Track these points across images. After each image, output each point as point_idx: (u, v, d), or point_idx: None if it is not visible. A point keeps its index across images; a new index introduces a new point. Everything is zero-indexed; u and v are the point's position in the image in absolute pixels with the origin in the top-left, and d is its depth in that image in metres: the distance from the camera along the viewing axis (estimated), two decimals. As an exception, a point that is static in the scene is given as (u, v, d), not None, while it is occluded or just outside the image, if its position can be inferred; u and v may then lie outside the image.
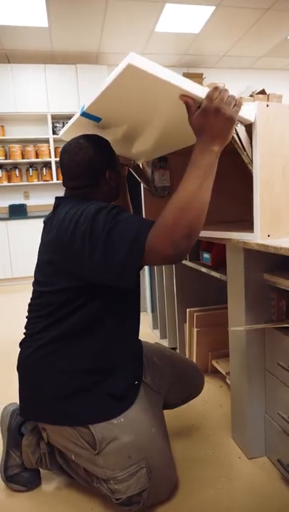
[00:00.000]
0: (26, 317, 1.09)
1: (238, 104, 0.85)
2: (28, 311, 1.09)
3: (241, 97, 0.87)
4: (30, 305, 1.08)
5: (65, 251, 0.94)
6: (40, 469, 1.19)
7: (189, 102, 0.85)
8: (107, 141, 1.10)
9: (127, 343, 1.11)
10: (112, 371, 1.04)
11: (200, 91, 0.83)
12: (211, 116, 0.83)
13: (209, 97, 0.83)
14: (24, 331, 1.08)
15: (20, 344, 1.08)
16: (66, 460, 1.11)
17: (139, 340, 1.28)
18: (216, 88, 0.83)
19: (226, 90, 0.83)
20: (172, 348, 1.42)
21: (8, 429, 1.18)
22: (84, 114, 1.05)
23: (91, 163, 1.04)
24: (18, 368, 1.07)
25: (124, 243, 0.84)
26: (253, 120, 0.94)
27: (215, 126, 0.83)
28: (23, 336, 1.08)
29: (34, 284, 1.08)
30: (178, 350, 1.99)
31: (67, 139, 1.19)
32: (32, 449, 1.13)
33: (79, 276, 0.94)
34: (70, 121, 1.18)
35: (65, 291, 0.98)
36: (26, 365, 1.05)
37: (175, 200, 0.84)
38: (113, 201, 1.12)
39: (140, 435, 1.00)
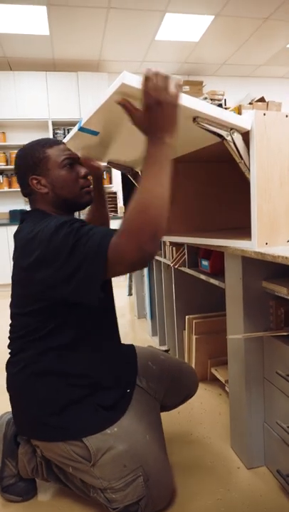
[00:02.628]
0: (8, 337, 1.07)
1: (176, 83, 0.79)
2: (9, 331, 1.07)
3: (177, 80, 0.79)
4: (10, 325, 1.06)
5: (27, 273, 0.92)
6: (36, 479, 1.18)
7: (126, 105, 0.82)
8: (37, 144, 1.03)
9: (109, 355, 1.08)
10: (99, 383, 1.03)
11: (136, 84, 0.78)
12: (154, 110, 0.78)
13: (145, 90, 0.78)
14: (9, 350, 1.07)
15: (7, 364, 1.06)
16: (62, 470, 1.10)
17: (132, 345, 1.28)
18: (147, 79, 0.77)
19: (157, 75, 0.77)
20: (165, 351, 1.41)
21: (4, 438, 1.17)
22: (82, 129, 1.07)
23: (17, 171, 1.05)
24: (8, 388, 1.06)
25: (86, 256, 0.82)
26: (249, 128, 0.94)
27: (161, 118, 0.79)
28: (9, 356, 1.07)
29: (10, 304, 1.06)
30: (176, 357, 1.98)
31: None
32: (28, 457, 1.12)
33: (45, 297, 0.92)
34: (69, 135, 1.18)
35: (36, 312, 0.96)
36: (13, 385, 1.04)
37: (136, 202, 0.80)
38: (72, 208, 1.07)
39: (135, 443, 0.99)
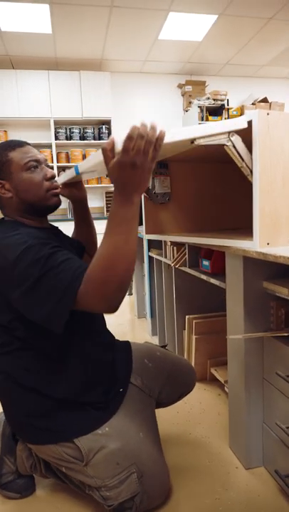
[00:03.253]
0: None
1: (157, 147, 0.77)
2: None
3: (161, 134, 0.77)
4: None
5: None
6: (35, 476, 1.18)
7: (106, 152, 0.78)
8: (2, 147, 1.00)
9: (96, 357, 1.06)
10: (88, 385, 1.02)
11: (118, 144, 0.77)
12: (128, 170, 0.76)
13: (124, 149, 0.75)
14: None
15: None
16: None
17: (128, 342, 1.26)
18: (130, 138, 0.74)
19: (142, 137, 0.74)
20: (163, 346, 1.39)
21: (2, 435, 1.17)
22: (78, 173, 1.07)
23: None
24: None
25: (53, 293, 0.81)
26: (246, 125, 0.94)
27: (132, 178, 0.77)
28: None
29: None
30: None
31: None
32: (26, 454, 1.12)
33: (10, 309, 0.91)
34: (65, 178, 1.18)
35: (6, 324, 0.95)
36: (1, 389, 1.03)
37: (102, 257, 0.81)
38: (39, 212, 1.03)
39: (127, 441, 0.99)
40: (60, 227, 1.14)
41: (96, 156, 0.88)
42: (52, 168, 4.77)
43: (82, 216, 1.32)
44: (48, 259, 0.84)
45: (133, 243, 0.82)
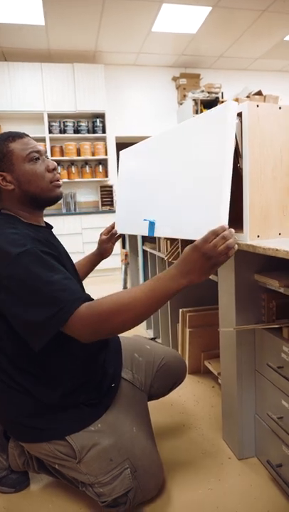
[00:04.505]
0: None
1: (229, 254, 0.82)
2: None
3: (236, 245, 0.83)
4: None
5: None
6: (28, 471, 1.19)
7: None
8: (2, 139, 0.99)
9: (87, 356, 1.06)
10: (79, 384, 1.02)
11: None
12: (195, 255, 0.82)
13: (204, 238, 0.82)
14: None
15: None
16: None
17: (117, 337, 1.25)
18: (215, 233, 0.81)
19: (222, 239, 0.81)
20: (152, 338, 1.39)
21: None
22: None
23: None
24: None
25: (49, 305, 0.81)
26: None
27: (195, 264, 0.82)
28: None
29: None
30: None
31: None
32: (18, 451, 1.12)
33: None
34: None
35: None
36: None
37: (120, 300, 0.83)
38: (41, 204, 1.02)
39: (120, 437, 0.99)
40: (54, 221, 1.12)
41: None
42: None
43: (93, 266, 1.41)
44: (49, 271, 0.84)
45: (153, 311, 0.86)
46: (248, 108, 0.92)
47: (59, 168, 1.03)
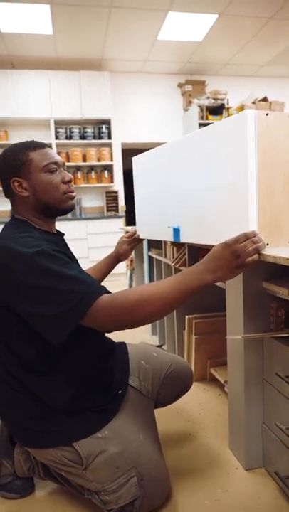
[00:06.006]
0: None
1: (255, 257, 0.86)
2: None
3: (260, 252, 0.88)
4: None
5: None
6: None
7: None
8: (21, 147, 1.02)
9: (95, 363, 1.06)
10: (86, 391, 1.02)
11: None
12: (225, 252, 0.85)
13: (236, 238, 0.86)
14: None
15: None
16: None
17: (123, 343, 1.26)
18: (245, 235, 0.86)
19: (252, 242, 0.86)
20: (158, 346, 1.39)
21: (0, 437, 1.16)
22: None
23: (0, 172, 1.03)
24: None
25: (68, 298, 0.83)
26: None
27: (224, 261, 0.85)
28: None
29: None
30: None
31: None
32: (24, 457, 1.12)
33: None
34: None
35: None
36: None
37: (146, 291, 0.86)
38: (53, 214, 1.05)
39: (127, 444, 0.99)
40: (60, 226, 1.14)
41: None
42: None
43: (109, 270, 1.42)
44: (65, 267, 0.86)
45: (177, 305, 0.88)
46: (258, 117, 0.92)
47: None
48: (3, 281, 0.87)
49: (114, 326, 0.86)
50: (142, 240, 1.51)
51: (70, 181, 1.05)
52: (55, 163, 1.02)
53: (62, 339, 0.85)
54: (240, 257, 0.85)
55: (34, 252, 0.85)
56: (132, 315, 0.84)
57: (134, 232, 1.48)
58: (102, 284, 1.00)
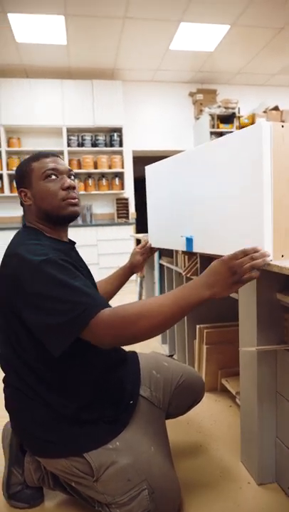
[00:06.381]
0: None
1: (253, 275, 0.86)
2: None
3: (258, 270, 0.87)
4: None
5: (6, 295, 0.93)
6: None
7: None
8: (28, 158, 1.05)
9: (106, 377, 1.05)
10: (97, 397, 1.01)
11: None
12: (222, 268, 0.86)
13: (233, 254, 0.87)
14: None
15: (4, 380, 1.05)
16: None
17: (134, 353, 1.25)
18: (243, 251, 0.86)
19: (250, 258, 0.85)
20: (170, 356, 1.38)
21: (10, 446, 1.16)
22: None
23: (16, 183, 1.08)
24: (6, 407, 1.04)
25: (71, 308, 0.83)
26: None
27: (221, 277, 0.86)
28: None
29: None
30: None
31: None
32: (34, 466, 1.11)
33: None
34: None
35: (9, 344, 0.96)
36: (10, 404, 1.03)
37: (145, 306, 0.86)
38: (56, 221, 1.05)
39: (139, 456, 0.97)
40: (70, 233, 1.15)
41: None
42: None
43: (122, 282, 1.40)
44: (70, 278, 0.87)
45: (177, 319, 0.88)
46: (273, 129, 0.92)
47: (76, 180, 1.04)
48: (12, 288, 0.89)
49: (113, 339, 0.86)
50: (155, 250, 1.50)
51: (69, 187, 1.03)
52: (54, 169, 1.02)
53: (62, 349, 0.85)
54: (237, 273, 0.85)
55: (41, 261, 0.86)
56: (131, 329, 0.84)
57: (147, 242, 1.48)
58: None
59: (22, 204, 1.07)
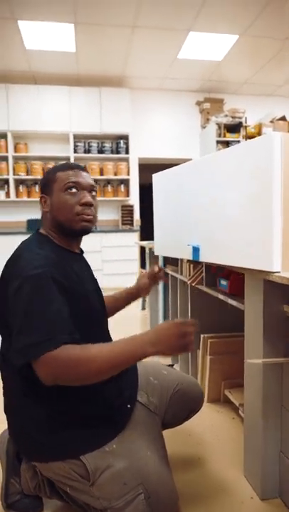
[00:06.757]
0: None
1: (189, 348, 0.92)
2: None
3: (191, 344, 0.94)
4: None
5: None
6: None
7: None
8: (55, 167, 1.09)
9: (104, 385, 1.03)
10: (95, 403, 1.01)
11: None
12: (173, 330, 0.91)
13: (186, 321, 0.93)
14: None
15: (3, 379, 1.05)
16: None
17: None
18: (195, 322, 0.94)
19: (191, 334, 0.92)
20: (169, 365, 1.37)
21: (7, 455, 1.15)
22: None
23: None
24: (4, 410, 1.05)
25: (31, 336, 0.85)
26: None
27: (169, 337, 0.91)
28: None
29: None
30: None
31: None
32: (30, 474, 1.10)
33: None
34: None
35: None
36: (8, 408, 1.03)
37: (87, 351, 0.86)
38: (67, 233, 1.06)
39: (135, 460, 0.96)
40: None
41: None
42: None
43: (128, 302, 1.42)
44: (48, 304, 0.88)
45: (116, 370, 0.90)
46: (283, 139, 0.92)
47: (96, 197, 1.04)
48: (3, 290, 0.94)
49: (53, 379, 0.86)
50: (160, 280, 1.44)
51: (86, 204, 1.04)
52: (76, 183, 1.04)
53: (17, 365, 0.87)
54: (185, 339, 0.90)
55: (29, 276, 0.89)
56: (70, 371, 0.85)
57: (158, 270, 1.42)
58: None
59: (41, 209, 1.10)
